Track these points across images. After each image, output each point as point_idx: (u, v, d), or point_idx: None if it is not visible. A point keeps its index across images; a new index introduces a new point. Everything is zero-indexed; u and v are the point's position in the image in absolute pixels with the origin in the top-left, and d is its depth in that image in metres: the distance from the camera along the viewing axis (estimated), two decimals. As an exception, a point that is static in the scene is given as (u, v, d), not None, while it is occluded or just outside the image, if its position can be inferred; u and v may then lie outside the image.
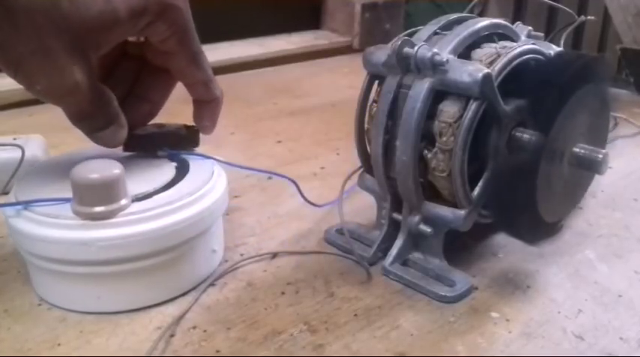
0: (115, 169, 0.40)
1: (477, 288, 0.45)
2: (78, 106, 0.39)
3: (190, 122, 0.47)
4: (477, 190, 0.44)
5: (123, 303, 0.42)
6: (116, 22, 0.36)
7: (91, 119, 0.40)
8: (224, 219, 0.49)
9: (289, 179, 0.52)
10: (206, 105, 0.45)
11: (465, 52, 0.44)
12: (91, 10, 0.35)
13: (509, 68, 0.43)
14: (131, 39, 0.44)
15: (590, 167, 0.46)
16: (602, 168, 0.46)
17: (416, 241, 0.47)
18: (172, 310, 0.42)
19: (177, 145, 0.47)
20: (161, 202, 0.41)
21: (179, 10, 0.39)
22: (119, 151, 0.46)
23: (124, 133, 0.42)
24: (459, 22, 0.46)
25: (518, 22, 0.50)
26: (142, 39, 0.44)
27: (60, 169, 0.45)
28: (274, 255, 0.49)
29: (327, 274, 0.46)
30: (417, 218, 0.45)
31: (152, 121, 0.47)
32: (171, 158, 0.47)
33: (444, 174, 0.43)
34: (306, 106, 0.87)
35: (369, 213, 0.52)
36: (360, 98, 0.47)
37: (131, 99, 0.45)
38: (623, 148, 0.70)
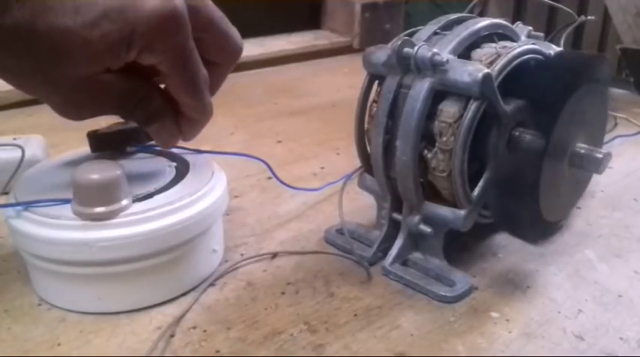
0: (116, 169, 0.40)
1: (477, 288, 0.45)
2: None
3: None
4: (476, 190, 0.44)
5: (123, 303, 0.42)
6: (92, 56, 0.33)
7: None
8: (224, 219, 0.49)
9: (260, 160, 0.53)
10: (189, 121, 0.40)
11: (465, 52, 0.44)
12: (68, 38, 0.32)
13: (509, 68, 0.43)
14: None
15: (590, 167, 0.46)
16: (602, 167, 0.46)
17: (416, 241, 0.47)
18: (172, 310, 0.42)
19: (144, 139, 0.47)
20: (161, 203, 0.41)
21: (170, 38, 0.34)
22: (88, 152, 0.46)
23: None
24: (458, 22, 0.46)
25: (518, 22, 0.50)
26: None
27: (60, 169, 0.45)
28: (274, 255, 0.49)
29: (327, 274, 0.46)
30: (417, 218, 0.45)
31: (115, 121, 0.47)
32: (172, 159, 0.47)
33: (444, 174, 0.43)
34: (306, 106, 0.87)
35: (369, 213, 0.52)
36: (360, 98, 0.47)
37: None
38: (623, 148, 0.70)
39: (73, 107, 0.36)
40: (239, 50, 0.40)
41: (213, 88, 0.40)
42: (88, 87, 0.34)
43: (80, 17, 0.31)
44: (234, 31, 0.39)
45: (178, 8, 0.33)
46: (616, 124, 0.75)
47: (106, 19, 0.32)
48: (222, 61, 0.40)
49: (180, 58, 0.35)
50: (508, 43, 0.45)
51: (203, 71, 0.37)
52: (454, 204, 0.44)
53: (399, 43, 0.42)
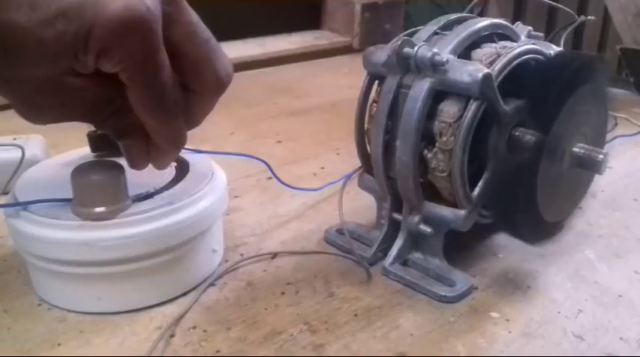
0: (116, 169, 0.40)
1: (476, 288, 0.45)
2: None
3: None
4: (476, 190, 0.44)
5: (123, 303, 0.42)
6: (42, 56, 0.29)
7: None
8: (224, 219, 0.49)
9: (260, 160, 0.53)
10: (155, 147, 0.35)
11: (465, 52, 0.44)
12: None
13: (509, 68, 0.43)
14: None
15: (590, 167, 0.46)
16: (602, 168, 0.46)
17: (416, 241, 0.47)
18: (172, 310, 0.42)
19: None
20: (161, 203, 0.41)
21: (131, 46, 0.30)
22: (88, 152, 0.46)
23: None
24: (459, 22, 0.46)
25: (518, 22, 0.50)
26: None
27: (60, 169, 0.45)
28: (274, 255, 0.49)
29: (327, 274, 0.46)
30: (417, 218, 0.45)
31: None
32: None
33: (444, 174, 0.43)
34: (306, 106, 0.87)
35: (369, 213, 0.52)
36: (360, 98, 0.47)
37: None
38: (623, 148, 0.70)
39: (33, 108, 0.33)
40: (220, 83, 0.35)
41: (193, 119, 0.36)
42: (50, 89, 0.31)
43: (35, 14, 0.28)
44: (219, 60, 0.34)
45: (145, 14, 0.29)
46: (616, 124, 0.75)
47: (63, 18, 0.28)
48: (198, 89, 0.35)
49: (142, 71, 0.31)
50: (508, 43, 0.45)
51: (173, 93, 0.32)
52: (454, 204, 0.44)
53: (399, 43, 0.42)
